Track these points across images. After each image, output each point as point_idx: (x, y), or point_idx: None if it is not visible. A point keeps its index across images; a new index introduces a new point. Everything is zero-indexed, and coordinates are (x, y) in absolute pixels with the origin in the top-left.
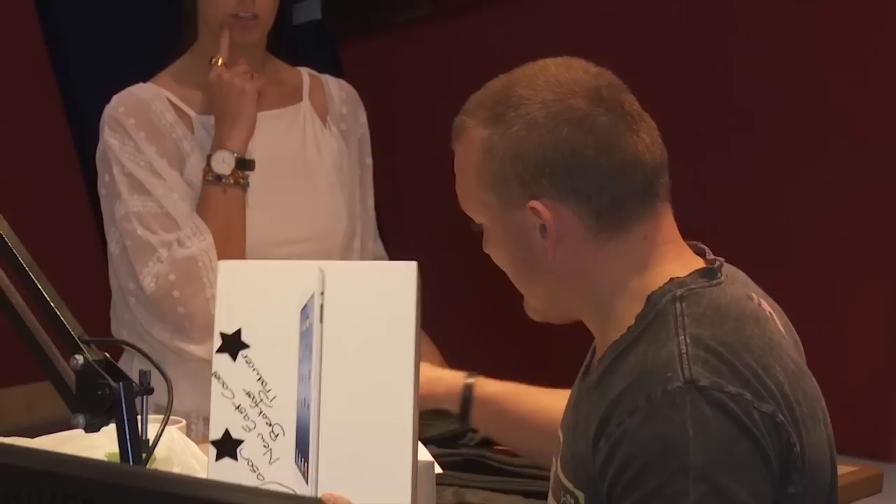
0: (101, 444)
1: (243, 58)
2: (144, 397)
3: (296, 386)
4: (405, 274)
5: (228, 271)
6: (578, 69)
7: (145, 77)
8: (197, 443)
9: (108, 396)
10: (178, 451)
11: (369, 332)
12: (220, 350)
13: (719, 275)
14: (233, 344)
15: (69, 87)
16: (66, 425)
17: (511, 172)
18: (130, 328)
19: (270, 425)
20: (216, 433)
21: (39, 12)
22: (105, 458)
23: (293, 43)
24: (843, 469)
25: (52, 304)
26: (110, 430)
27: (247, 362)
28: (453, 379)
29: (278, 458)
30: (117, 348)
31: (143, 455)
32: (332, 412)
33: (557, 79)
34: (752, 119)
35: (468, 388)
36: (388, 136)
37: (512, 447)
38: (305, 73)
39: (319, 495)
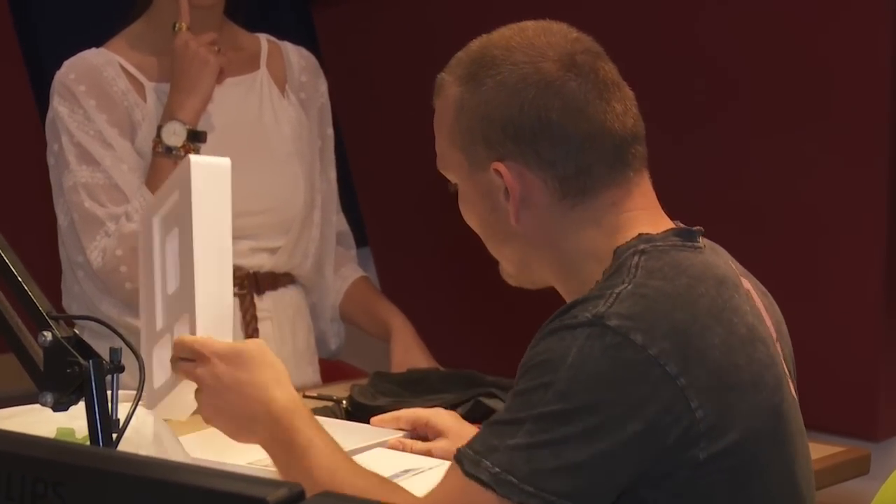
0: (52, 419)
1: (213, 30)
2: (115, 375)
3: None
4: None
5: None
6: (557, 33)
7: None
8: None
9: (77, 374)
10: (148, 436)
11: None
12: None
13: (698, 240)
14: None
15: (33, 51)
16: (33, 399)
17: (478, 132)
18: (80, 302)
19: None
20: None
21: None
22: (56, 433)
23: (265, 7)
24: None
25: (19, 279)
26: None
27: None
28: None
29: None
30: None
31: (114, 435)
32: None
33: (532, 42)
34: (730, 89)
35: None
36: (364, 105)
37: None
38: (264, 39)
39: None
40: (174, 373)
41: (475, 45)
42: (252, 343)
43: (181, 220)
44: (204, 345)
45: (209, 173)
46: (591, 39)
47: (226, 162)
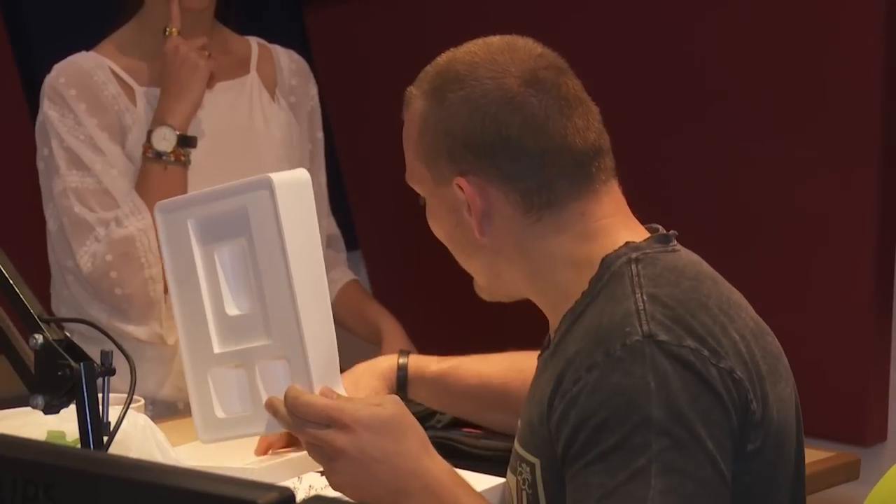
0: (43, 421)
1: (204, 36)
2: (106, 378)
3: None
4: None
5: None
6: (521, 49)
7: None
8: None
9: (68, 377)
10: (138, 439)
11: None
12: None
13: (674, 242)
14: None
15: (25, 54)
16: (24, 401)
17: (441, 147)
18: (69, 306)
19: None
20: None
21: None
22: (47, 436)
23: (257, 10)
24: (819, 455)
25: (11, 282)
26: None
27: None
28: (387, 364)
29: None
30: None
31: (105, 438)
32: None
33: (495, 58)
34: (721, 93)
35: (402, 368)
36: (355, 108)
37: (462, 417)
38: (254, 42)
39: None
40: (298, 436)
41: (442, 59)
42: (392, 405)
43: (260, 244)
44: (343, 411)
45: (294, 194)
46: (555, 55)
47: (305, 176)
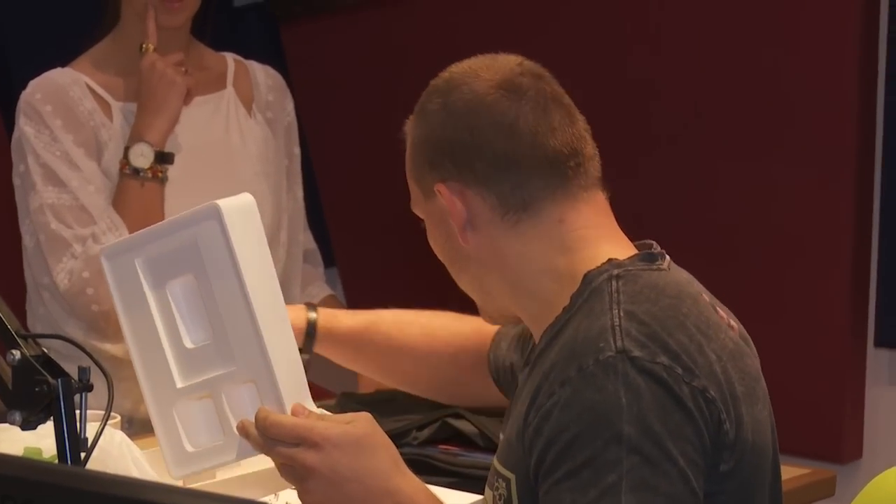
0: (20, 438)
1: (179, 51)
2: (84, 394)
3: None
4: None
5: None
6: (502, 61)
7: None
8: None
9: (46, 393)
10: (115, 456)
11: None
12: None
13: (661, 260)
14: None
15: (2, 70)
16: (1, 417)
17: (422, 156)
18: (45, 323)
19: None
20: None
21: None
22: (24, 453)
23: (233, 24)
24: (795, 472)
25: None
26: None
27: None
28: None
29: None
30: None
31: (82, 454)
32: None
33: (474, 70)
34: (699, 111)
35: (311, 324)
36: (332, 125)
37: (380, 378)
38: (230, 58)
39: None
40: (270, 457)
41: (431, 82)
42: (362, 423)
43: (214, 272)
44: (313, 430)
45: (241, 217)
46: (537, 65)
47: (250, 199)
